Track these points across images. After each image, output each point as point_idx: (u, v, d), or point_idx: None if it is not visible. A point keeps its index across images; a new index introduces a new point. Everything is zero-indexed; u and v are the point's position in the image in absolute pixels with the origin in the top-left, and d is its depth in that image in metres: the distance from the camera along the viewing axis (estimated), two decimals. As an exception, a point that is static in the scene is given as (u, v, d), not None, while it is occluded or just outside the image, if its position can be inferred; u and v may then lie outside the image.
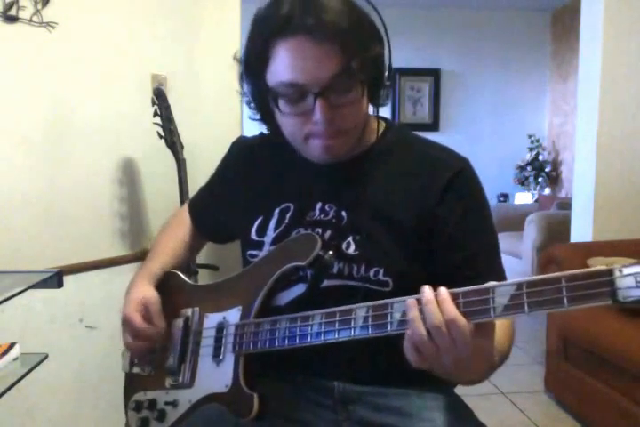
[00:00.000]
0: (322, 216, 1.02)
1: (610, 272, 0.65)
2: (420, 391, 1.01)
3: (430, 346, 0.76)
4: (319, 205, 1.03)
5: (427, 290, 0.77)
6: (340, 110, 0.92)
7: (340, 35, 0.87)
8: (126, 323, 1.04)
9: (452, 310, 0.74)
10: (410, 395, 1.00)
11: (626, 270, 0.64)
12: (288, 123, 0.97)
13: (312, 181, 1.05)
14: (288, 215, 1.04)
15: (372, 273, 0.96)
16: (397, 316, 0.81)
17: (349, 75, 0.90)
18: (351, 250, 0.98)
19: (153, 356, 1.08)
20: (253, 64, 0.96)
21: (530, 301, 0.71)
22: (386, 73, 0.97)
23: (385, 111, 1.07)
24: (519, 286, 0.72)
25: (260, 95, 0.99)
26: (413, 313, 0.77)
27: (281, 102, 0.93)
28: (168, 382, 1.04)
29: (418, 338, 0.76)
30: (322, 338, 0.87)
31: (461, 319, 0.74)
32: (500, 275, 0.99)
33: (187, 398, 1.01)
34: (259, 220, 1.07)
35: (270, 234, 1.04)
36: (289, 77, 0.90)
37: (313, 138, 0.95)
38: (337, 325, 0.86)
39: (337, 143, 0.96)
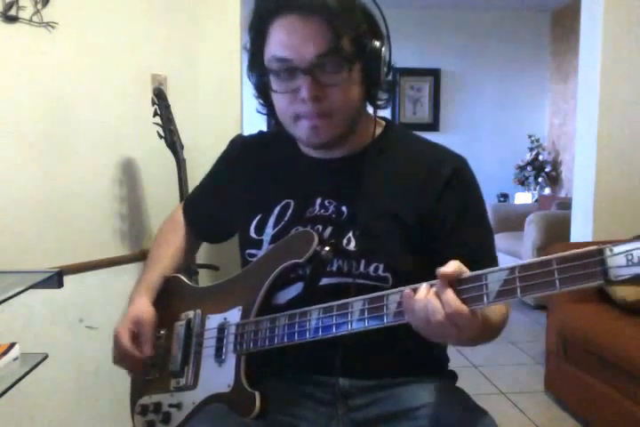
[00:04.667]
0: (322, 212, 1.03)
1: (600, 252, 0.65)
2: (419, 378, 1.02)
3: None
4: (319, 200, 1.03)
5: (421, 293, 0.78)
6: (327, 90, 0.93)
7: (328, 13, 0.89)
8: (116, 341, 1.05)
9: (457, 303, 0.75)
10: (409, 383, 1.01)
11: (616, 249, 0.64)
12: (279, 102, 0.98)
13: (312, 177, 1.06)
14: (288, 212, 1.04)
15: (371, 269, 0.97)
16: (393, 307, 0.81)
17: (338, 54, 0.91)
18: (351, 246, 0.98)
19: (152, 362, 1.09)
20: (253, 46, 0.98)
21: (522, 285, 0.71)
22: (385, 69, 0.97)
23: (385, 111, 1.08)
24: (511, 270, 0.73)
25: (261, 80, 1.00)
26: (415, 306, 0.78)
27: (273, 80, 0.96)
28: (172, 384, 1.05)
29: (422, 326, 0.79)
30: (320, 333, 0.88)
31: (464, 309, 0.75)
32: None
33: (190, 399, 1.01)
34: (257, 217, 1.07)
35: (269, 232, 1.05)
36: (279, 53, 0.93)
37: (301, 118, 0.96)
38: (334, 319, 0.87)
39: (323, 125, 0.96)
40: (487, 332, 0.95)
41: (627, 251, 0.63)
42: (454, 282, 0.77)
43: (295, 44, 0.91)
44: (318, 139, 0.98)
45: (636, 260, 0.62)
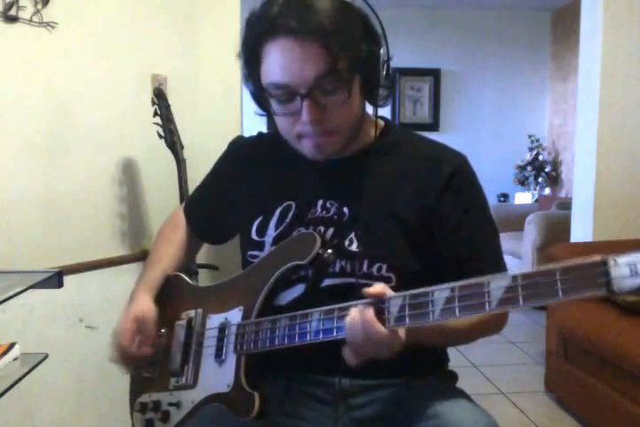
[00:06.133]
0: (323, 213, 1.03)
1: (604, 262, 0.65)
2: (419, 377, 1.02)
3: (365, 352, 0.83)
4: (320, 202, 1.04)
5: (353, 310, 0.82)
6: (328, 111, 0.93)
7: (323, 36, 0.88)
8: (116, 338, 1.05)
9: (376, 329, 0.79)
10: (409, 382, 1.02)
11: (620, 260, 0.64)
12: (281, 123, 0.98)
13: (313, 178, 1.06)
14: (290, 214, 1.04)
15: (374, 269, 0.97)
16: (394, 311, 0.81)
17: (335, 75, 0.90)
18: (354, 247, 0.98)
19: (152, 360, 1.08)
20: (248, 64, 0.97)
21: (524, 293, 0.71)
22: (383, 72, 0.97)
23: (385, 111, 1.07)
24: (514, 278, 0.72)
25: (258, 93, 1.00)
26: (351, 328, 0.82)
27: (272, 103, 0.95)
28: (172, 383, 1.05)
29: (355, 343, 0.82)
30: (321, 336, 0.88)
31: (384, 336, 0.79)
32: (502, 268, 1.00)
33: (190, 398, 1.01)
34: (259, 219, 1.07)
35: (271, 233, 1.05)
36: (276, 79, 0.92)
37: (304, 138, 0.97)
38: (335, 322, 0.86)
39: (327, 142, 0.97)
40: (449, 338, 1.00)
41: (631, 262, 0.63)
42: (454, 289, 0.77)
43: (292, 69, 0.90)
44: (322, 155, 0.99)
45: (639, 271, 0.62)
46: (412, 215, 1.00)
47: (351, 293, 0.92)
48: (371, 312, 0.81)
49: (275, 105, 0.95)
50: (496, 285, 0.73)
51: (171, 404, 1.03)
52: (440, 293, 0.78)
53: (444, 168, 1.01)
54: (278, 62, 0.91)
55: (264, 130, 1.19)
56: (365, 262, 0.97)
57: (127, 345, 1.03)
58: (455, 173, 1.01)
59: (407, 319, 0.79)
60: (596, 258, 0.65)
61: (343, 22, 0.90)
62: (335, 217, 1.02)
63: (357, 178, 1.02)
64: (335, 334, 0.86)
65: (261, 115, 1.06)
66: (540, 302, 0.70)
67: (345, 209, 1.02)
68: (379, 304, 0.82)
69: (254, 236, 1.06)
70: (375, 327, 0.79)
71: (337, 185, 1.04)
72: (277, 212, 1.05)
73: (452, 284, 0.77)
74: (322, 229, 1.01)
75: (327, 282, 0.99)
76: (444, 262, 0.99)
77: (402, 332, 0.83)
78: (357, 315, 0.82)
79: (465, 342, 1.07)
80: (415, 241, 0.99)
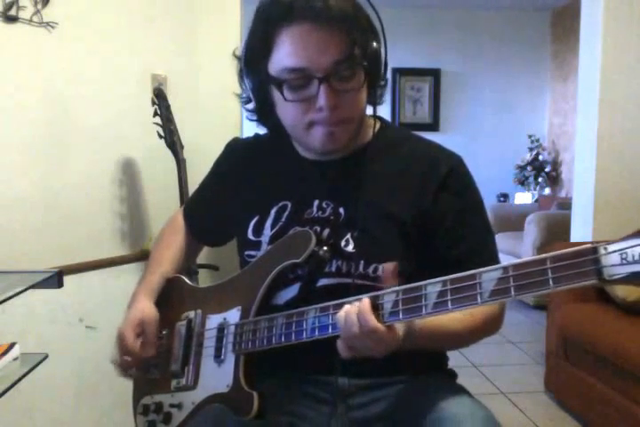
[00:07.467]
0: (319, 213, 1.03)
1: (594, 250, 0.64)
2: (418, 377, 1.03)
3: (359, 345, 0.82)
4: (316, 202, 1.04)
5: (346, 306, 0.83)
6: (342, 97, 0.93)
7: (344, 20, 0.89)
8: (120, 340, 1.05)
9: (371, 321, 0.79)
10: (408, 382, 1.02)
11: (611, 247, 0.63)
12: (291, 111, 0.97)
13: (309, 178, 1.06)
14: (285, 214, 1.05)
15: (370, 270, 0.97)
16: (388, 306, 0.81)
17: (352, 61, 0.91)
18: (350, 247, 0.98)
19: (154, 362, 1.09)
20: (256, 54, 0.97)
21: (516, 284, 0.70)
22: (382, 69, 0.98)
23: (385, 111, 1.08)
24: (505, 269, 0.72)
25: (262, 87, 0.99)
26: (345, 319, 0.82)
27: (285, 89, 0.94)
28: (173, 384, 1.05)
29: (349, 338, 0.82)
30: (317, 333, 0.88)
31: (379, 330, 0.79)
32: None
33: (190, 399, 1.02)
34: (255, 219, 1.07)
35: (267, 233, 1.05)
36: (293, 63, 0.91)
37: (316, 125, 0.96)
38: (330, 318, 0.87)
39: (339, 131, 0.96)
40: (444, 341, 0.99)
41: (621, 249, 0.62)
42: (446, 282, 0.77)
43: (311, 53, 0.90)
44: (334, 145, 0.98)
45: (630, 258, 0.61)
46: (407, 216, 1.00)
47: (347, 293, 0.91)
48: (366, 303, 0.81)
49: (287, 92, 0.94)
50: (487, 276, 0.73)
51: (172, 405, 1.04)
52: (433, 286, 0.78)
53: (439, 169, 1.01)
54: (296, 47, 0.91)
55: (259, 132, 1.19)
56: (361, 263, 0.97)
57: (132, 346, 1.03)
58: (450, 174, 1.01)
59: (400, 314, 0.79)
60: (587, 246, 0.65)
61: (357, 10, 0.93)
62: (331, 217, 1.02)
63: (354, 178, 1.02)
64: (331, 330, 0.86)
65: (252, 120, 1.07)
66: (532, 292, 0.69)
67: (341, 209, 1.02)
68: (373, 300, 0.81)
69: (251, 235, 1.07)
70: (368, 318, 0.79)
71: (333, 185, 1.04)
72: (273, 211, 1.05)
73: (444, 277, 0.77)
74: (318, 229, 1.01)
75: (323, 282, 0.99)
76: (440, 263, 0.99)
77: (400, 330, 0.83)
78: (353, 307, 0.82)
79: (462, 346, 1.08)
80: (411, 242, 1.00)
